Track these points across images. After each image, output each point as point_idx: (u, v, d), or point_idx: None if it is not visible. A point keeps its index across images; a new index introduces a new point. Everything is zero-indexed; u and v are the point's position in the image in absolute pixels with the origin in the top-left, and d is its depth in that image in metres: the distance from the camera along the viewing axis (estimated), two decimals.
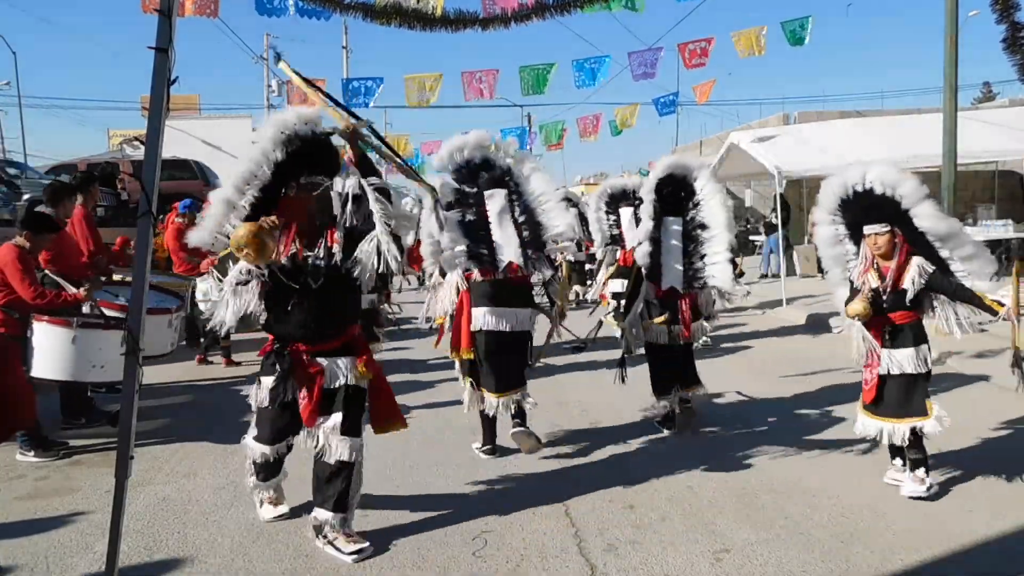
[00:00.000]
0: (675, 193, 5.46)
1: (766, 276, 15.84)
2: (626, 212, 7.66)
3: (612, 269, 7.86)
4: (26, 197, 12.62)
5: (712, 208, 5.37)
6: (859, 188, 4.17)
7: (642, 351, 5.77)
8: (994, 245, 12.75)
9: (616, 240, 7.80)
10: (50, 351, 5.05)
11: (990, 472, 4.55)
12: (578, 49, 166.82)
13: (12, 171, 14.79)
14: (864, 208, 4.19)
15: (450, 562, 3.59)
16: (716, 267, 5.34)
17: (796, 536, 3.78)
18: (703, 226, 5.39)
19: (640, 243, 5.43)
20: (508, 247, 4.94)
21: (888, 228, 4.12)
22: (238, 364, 8.25)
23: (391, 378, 7.01)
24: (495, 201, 4.96)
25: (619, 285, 7.55)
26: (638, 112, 13.79)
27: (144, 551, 3.76)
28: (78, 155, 24.35)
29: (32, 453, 5.16)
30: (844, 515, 4.01)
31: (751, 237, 19.68)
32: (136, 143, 19.66)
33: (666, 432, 5.49)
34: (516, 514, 4.10)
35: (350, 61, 34.08)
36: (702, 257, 5.38)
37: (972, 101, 35.79)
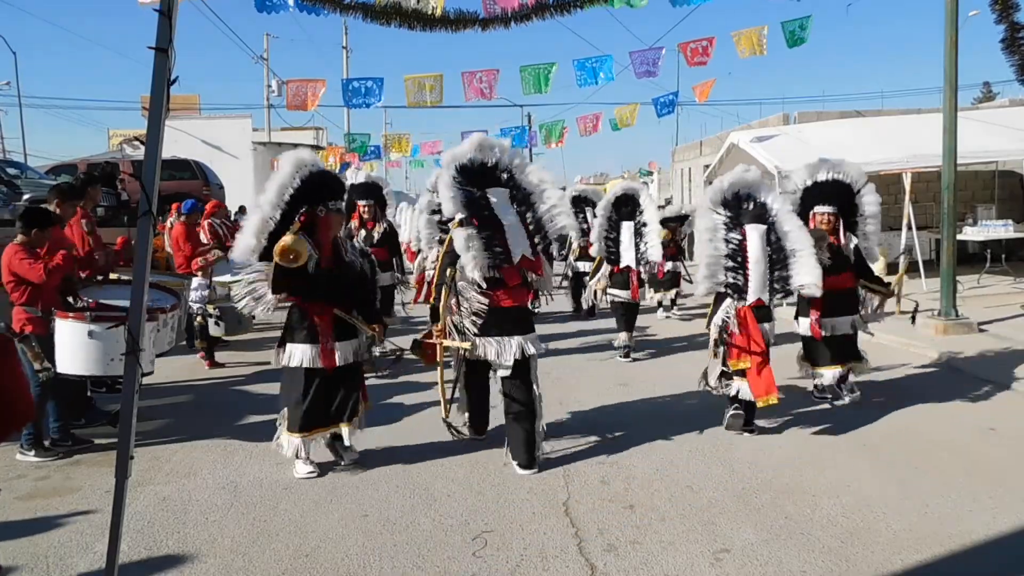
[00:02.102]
0: (628, 205, 8.22)
1: None
2: (588, 213, 10.34)
3: (577, 252, 10.80)
4: (26, 197, 12.57)
5: (650, 213, 8.14)
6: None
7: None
8: (993, 245, 12.78)
9: (585, 233, 10.03)
10: (73, 347, 5.10)
11: (990, 472, 4.56)
12: (579, 49, 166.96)
13: (12, 171, 14.71)
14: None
15: (450, 562, 3.59)
16: (652, 249, 8.06)
17: (796, 536, 3.79)
18: (644, 224, 8.11)
19: (595, 243, 8.30)
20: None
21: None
22: (221, 365, 8.19)
23: (389, 379, 6.95)
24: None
25: (583, 266, 10.65)
26: (638, 112, 13.74)
27: (144, 551, 3.77)
28: (78, 155, 24.38)
29: (32, 453, 5.16)
30: (844, 515, 4.01)
31: None
32: (136, 143, 19.64)
33: (621, 354, 8.31)
34: (516, 514, 4.10)
35: (350, 61, 34.12)
36: (646, 244, 8.07)
37: (972, 101, 35.77)
